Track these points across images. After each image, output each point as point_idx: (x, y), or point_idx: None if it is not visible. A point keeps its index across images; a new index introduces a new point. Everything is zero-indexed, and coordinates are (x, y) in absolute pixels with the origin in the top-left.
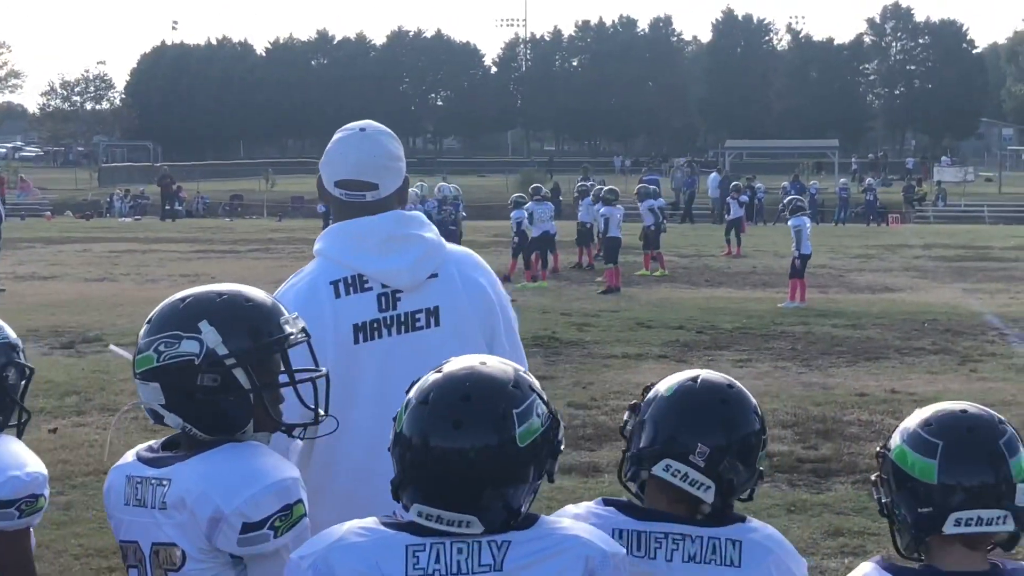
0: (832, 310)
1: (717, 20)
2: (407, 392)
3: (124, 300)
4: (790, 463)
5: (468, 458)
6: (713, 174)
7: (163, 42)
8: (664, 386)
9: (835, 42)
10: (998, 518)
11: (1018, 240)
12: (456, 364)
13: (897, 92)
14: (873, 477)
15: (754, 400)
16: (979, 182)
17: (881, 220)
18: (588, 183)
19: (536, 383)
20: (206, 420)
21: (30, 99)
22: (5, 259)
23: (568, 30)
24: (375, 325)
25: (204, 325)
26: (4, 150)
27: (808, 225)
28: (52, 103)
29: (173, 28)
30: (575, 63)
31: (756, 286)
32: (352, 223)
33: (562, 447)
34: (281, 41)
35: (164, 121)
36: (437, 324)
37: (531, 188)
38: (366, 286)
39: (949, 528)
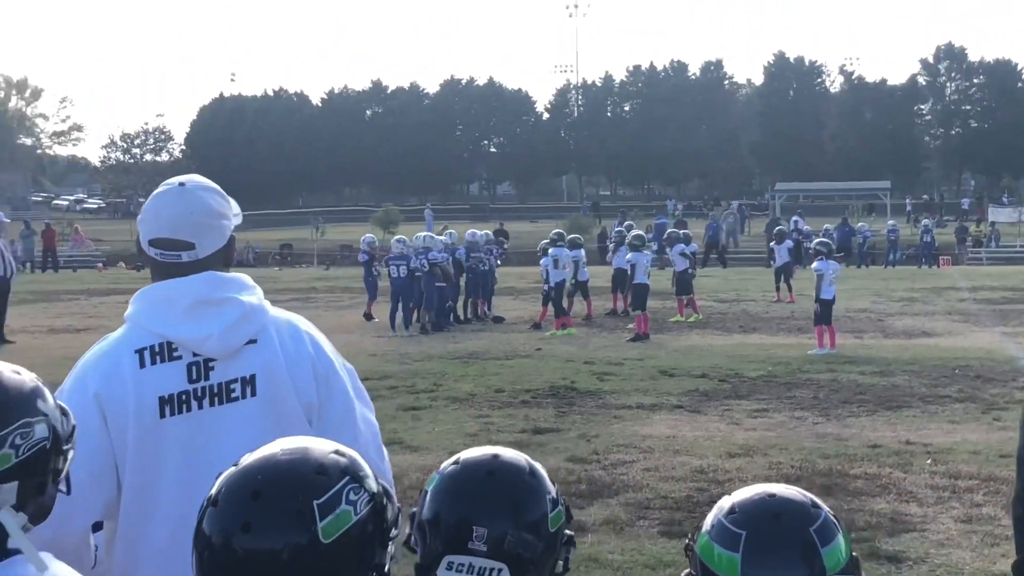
0: (862, 356)
1: (769, 63)
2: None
3: None
4: None
5: (264, 563)
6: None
7: (221, 94)
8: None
9: (888, 83)
10: None
11: None
12: (255, 455)
13: (953, 132)
14: (684, 574)
15: (530, 462)
16: None
17: (933, 262)
18: (623, 229)
19: (360, 463)
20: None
21: (92, 152)
22: (44, 311)
23: (619, 75)
24: (183, 397)
25: (42, 404)
26: (67, 202)
27: (833, 270)
28: (112, 155)
29: (231, 80)
30: (627, 108)
31: (790, 331)
32: (161, 285)
33: (395, 531)
34: (336, 91)
35: (222, 172)
36: (254, 394)
37: (553, 234)
38: (175, 354)
39: None
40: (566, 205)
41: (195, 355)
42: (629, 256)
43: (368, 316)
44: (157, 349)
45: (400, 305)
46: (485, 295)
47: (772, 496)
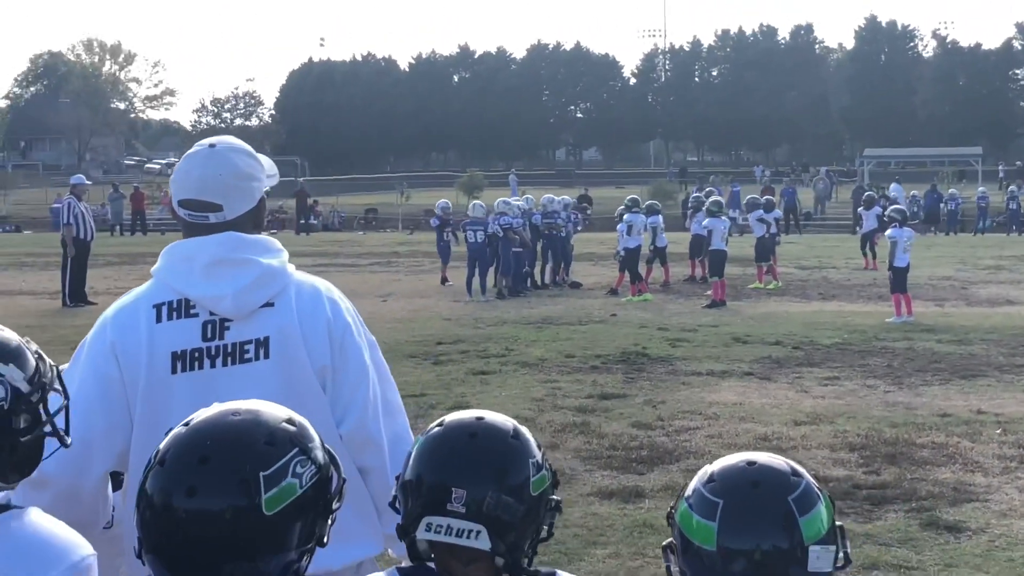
0: (941, 325)
1: (860, 27)
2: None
3: None
4: (845, 489)
5: (204, 527)
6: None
7: (310, 59)
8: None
9: (983, 47)
10: None
11: None
12: (206, 416)
13: None
14: (665, 543)
15: (516, 426)
16: None
17: (1021, 229)
18: (700, 195)
19: (310, 432)
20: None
21: (184, 116)
22: (128, 274)
23: (708, 40)
24: (196, 355)
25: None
26: (159, 166)
27: (907, 237)
28: (204, 120)
29: (320, 45)
30: (714, 73)
31: (870, 299)
32: (184, 243)
33: (337, 504)
34: (424, 56)
35: (311, 136)
36: (267, 356)
37: (628, 200)
38: (192, 312)
39: None
40: (652, 171)
41: (212, 314)
42: (706, 222)
43: (444, 280)
44: (175, 305)
45: (477, 270)
46: (564, 261)
47: (752, 464)
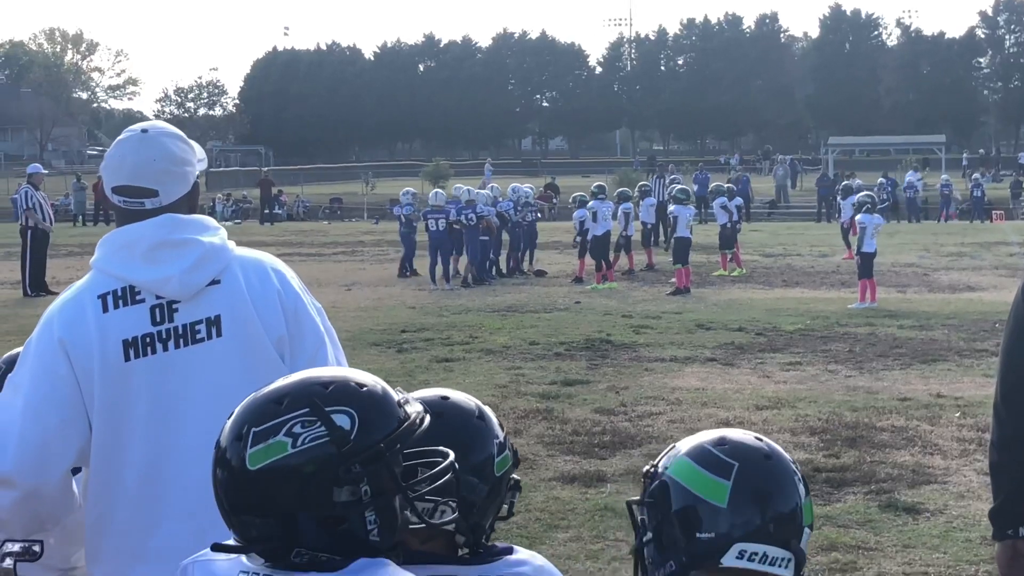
0: (903, 310)
1: (824, 16)
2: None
3: None
4: (805, 472)
5: (215, 480)
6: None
7: (274, 48)
8: None
9: (946, 36)
10: (781, 560)
11: None
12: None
13: (1012, 85)
14: (637, 499)
15: (480, 406)
16: None
17: (984, 216)
18: (647, 183)
19: (347, 396)
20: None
21: (147, 106)
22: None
23: (673, 29)
24: (148, 340)
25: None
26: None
27: (877, 223)
28: (167, 109)
29: (285, 34)
30: (680, 62)
31: (833, 286)
32: (122, 231)
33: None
34: (389, 45)
35: (276, 126)
36: (219, 334)
37: (594, 187)
38: (138, 298)
39: (729, 559)
40: (618, 160)
41: (158, 298)
42: (671, 209)
43: (408, 271)
44: (120, 293)
45: (440, 259)
46: (528, 249)
47: (760, 440)
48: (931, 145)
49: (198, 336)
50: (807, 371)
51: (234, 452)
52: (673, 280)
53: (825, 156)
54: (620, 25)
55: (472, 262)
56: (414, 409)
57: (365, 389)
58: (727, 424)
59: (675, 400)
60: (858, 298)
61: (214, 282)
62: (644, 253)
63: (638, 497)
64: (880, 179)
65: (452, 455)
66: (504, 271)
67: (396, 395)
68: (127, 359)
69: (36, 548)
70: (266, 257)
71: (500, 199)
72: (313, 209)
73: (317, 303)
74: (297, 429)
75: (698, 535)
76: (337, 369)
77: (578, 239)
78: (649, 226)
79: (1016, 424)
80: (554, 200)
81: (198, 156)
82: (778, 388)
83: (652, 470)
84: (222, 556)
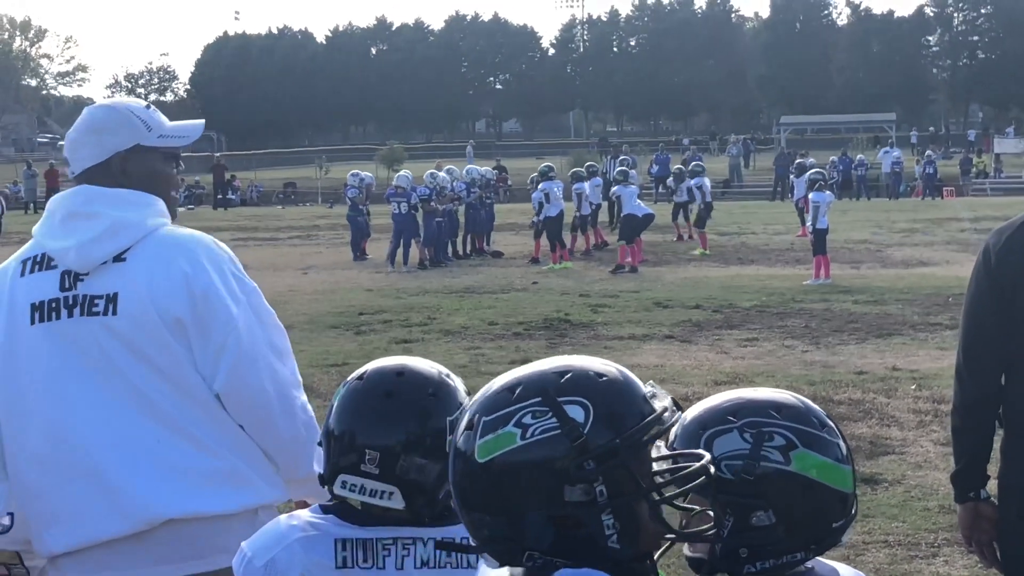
0: (857, 286)
1: None
2: None
3: None
4: None
5: (452, 474)
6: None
7: (225, 32)
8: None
9: (896, 14)
10: None
11: None
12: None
13: (960, 63)
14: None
15: (441, 379)
16: None
17: (937, 194)
18: (595, 165)
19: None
20: None
21: (97, 92)
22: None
23: (625, 10)
24: (53, 304)
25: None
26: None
27: (828, 200)
28: (117, 95)
29: (235, 18)
30: (633, 43)
31: (788, 263)
32: (51, 199)
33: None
34: (341, 29)
35: (228, 111)
36: (115, 313)
37: (543, 167)
38: (51, 264)
39: None
40: (572, 141)
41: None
42: (614, 189)
43: (362, 252)
44: (39, 259)
45: (401, 241)
46: (484, 231)
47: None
48: (881, 123)
49: (95, 309)
50: (764, 347)
51: (466, 443)
52: (629, 259)
53: (777, 135)
54: (572, 7)
55: (428, 245)
56: (662, 404)
57: (604, 379)
58: (686, 400)
59: None
60: (813, 274)
61: (120, 259)
62: (593, 233)
63: None
64: (832, 158)
65: (707, 456)
66: (461, 253)
67: (644, 388)
68: (32, 322)
69: (5, 521)
70: (190, 236)
71: (459, 181)
72: (267, 194)
73: (250, 284)
74: (527, 420)
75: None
76: (580, 358)
77: (536, 220)
78: (595, 205)
79: (977, 387)
80: (508, 182)
81: (154, 128)
82: (736, 364)
83: (749, 464)
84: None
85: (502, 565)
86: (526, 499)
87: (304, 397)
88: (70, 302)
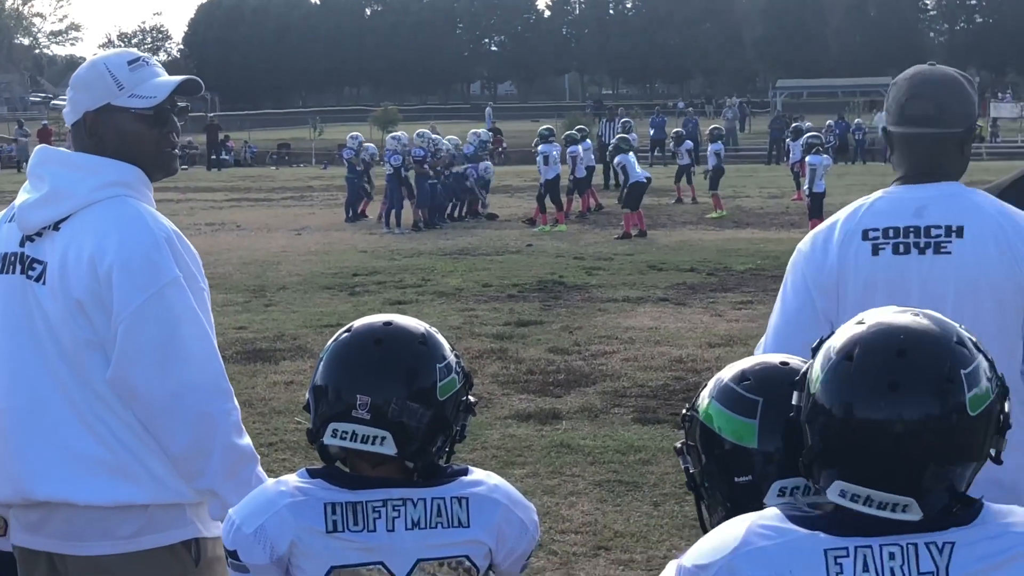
0: None
1: None
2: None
3: None
4: None
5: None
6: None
7: None
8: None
9: None
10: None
11: None
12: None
13: (958, 28)
14: (678, 444)
15: (427, 330)
16: None
17: None
18: (585, 128)
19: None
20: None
21: (90, 51)
22: None
23: None
24: (12, 259)
25: None
26: (64, 102)
27: (826, 163)
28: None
29: None
30: (629, 5)
31: (783, 227)
32: None
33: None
34: None
35: (221, 71)
36: (43, 283)
37: (542, 130)
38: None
39: (771, 500)
40: (568, 104)
41: None
42: (618, 159)
43: (361, 214)
44: (15, 211)
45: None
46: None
47: (785, 365)
48: (878, 87)
49: (31, 274)
50: (758, 309)
51: (951, 396)
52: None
53: (773, 99)
54: None
55: (422, 207)
56: None
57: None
58: (680, 361)
59: (628, 339)
60: None
61: (56, 228)
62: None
63: (680, 442)
64: (828, 121)
65: None
66: (456, 215)
67: None
68: (2, 271)
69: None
70: (125, 219)
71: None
72: (261, 155)
73: (173, 275)
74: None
75: (736, 479)
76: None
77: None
78: (589, 168)
79: None
80: (504, 145)
81: (120, 85)
82: (730, 326)
83: (688, 412)
84: (768, 540)
85: (938, 521)
86: (986, 446)
87: (227, 406)
88: (23, 259)
